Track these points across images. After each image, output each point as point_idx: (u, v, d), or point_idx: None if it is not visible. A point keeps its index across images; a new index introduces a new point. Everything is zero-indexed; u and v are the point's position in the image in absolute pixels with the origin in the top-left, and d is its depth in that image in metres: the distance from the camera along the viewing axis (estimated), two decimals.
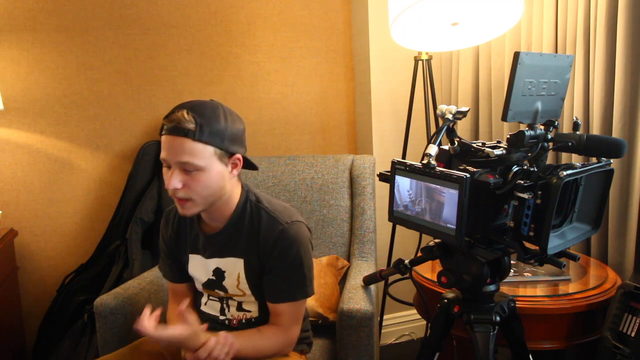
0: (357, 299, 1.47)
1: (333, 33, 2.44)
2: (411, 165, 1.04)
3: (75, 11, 2.10)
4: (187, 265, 1.35)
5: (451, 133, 1.06)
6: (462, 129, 2.28)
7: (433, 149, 0.98)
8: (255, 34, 2.33)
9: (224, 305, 1.34)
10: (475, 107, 2.23)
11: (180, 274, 1.39)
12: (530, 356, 1.19)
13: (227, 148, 1.16)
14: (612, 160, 1.02)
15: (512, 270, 1.49)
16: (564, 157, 1.80)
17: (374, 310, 1.46)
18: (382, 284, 2.24)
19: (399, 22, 1.85)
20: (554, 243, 0.96)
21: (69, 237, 2.19)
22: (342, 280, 1.82)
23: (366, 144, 2.44)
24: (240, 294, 1.30)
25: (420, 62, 2.12)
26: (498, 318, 1.12)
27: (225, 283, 1.30)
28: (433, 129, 2.18)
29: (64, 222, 2.17)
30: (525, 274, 1.54)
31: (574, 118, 1.09)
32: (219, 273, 1.30)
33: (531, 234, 0.95)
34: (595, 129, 1.62)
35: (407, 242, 2.40)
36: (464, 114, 1.02)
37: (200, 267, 1.33)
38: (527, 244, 0.99)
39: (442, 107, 1.04)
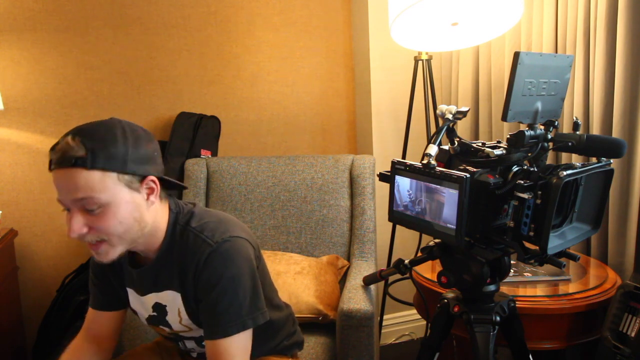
0: (357, 299, 1.47)
1: (333, 33, 2.44)
2: (411, 165, 1.04)
3: (75, 11, 2.10)
4: (128, 299, 1.19)
5: (451, 133, 1.06)
6: (462, 129, 2.28)
7: (433, 149, 0.98)
8: (255, 34, 2.33)
9: (180, 343, 1.22)
10: (475, 107, 2.23)
11: (105, 299, 1.20)
12: (530, 356, 1.19)
13: (135, 170, 0.95)
14: (612, 160, 1.03)
15: (512, 270, 1.49)
16: (564, 157, 1.80)
17: (374, 310, 1.46)
18: (382, 284, 2.24)
19: (399, 22, 1.85)
20: (554, 243, 0.96)
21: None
22: (342, 280, 1.82)
23: (366, 144, 2.44)
24: (186, 330, 1.14)
25: (420, 62, 2.12)
26: (498, 318, 1.12)
27: (169, 319, 1.13)
28: (433, 129, 2.18)
29: (64, 222, 2.17)
30: (525, 274, 1.54)
31: (574, 118, 1.09)
32: (159, 308, 1.13)
33: (531, 234, 0.95)
34: (595, 129, 1.62)
35: (407, 242, 2.40)
36: (464, 114, 1.02)
37: (138, 303, 1.17)
38: (527, 244, 0.99)
39: (442, 107, 1.04)
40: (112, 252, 1.00)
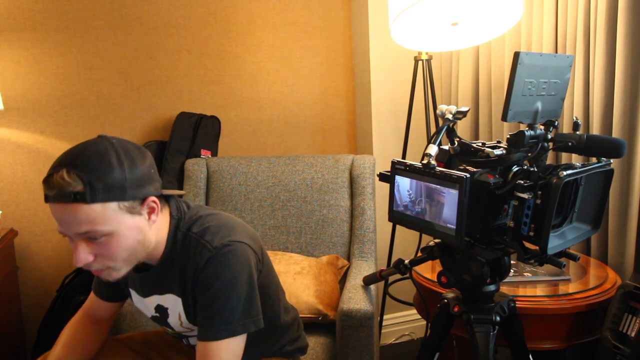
0: (357, 299, 1.47)
1: (333, 33, 2.44)
2: (411, 165, 1.04)
3: (75, 11, 2.10)
4: (132, 299, 1.22)
5: (451, 133, 1.06)
6: (462, 129, 2.28)
7: (433, 149, 0.98)
8: (255, 34, 2.33)
9: (183, 340, 1.24)
10: (475, 107, 2.23)
11: (109, 291, 1.23)
12: (530, 356, 1.19)
13: (135, 196, 0.95)
14: (612, 160, 1.03)
15: (512, 270, 1.49)
16: (564, 157, 1.80)
17: (374, 310, 1.46)
18: (382, 284, 2.24)
19: (399, 22, 1.85)
20: (554, 243, 0.96)
21: None
22: (342, 280, 1.82)
23: (366, 144, 2.44)
24: (188, 331, 1.16)
25: (420, 62, 2.12)
26: (498, 318, 1.12)
27: (170, 321, 1.15)
28: (433, 129, 2.18)
29: None
30: (525, 274, 1.54)
31: (574, 118, 1.09)
32: (161, 310, 1.14)
33: (531, 234, 0.95)
34: (595, 129, 1.62)
35: (407, 242, 2.40)
36: (464, 114, 1.02)
37: (141, 304, 1.19)
38: (527, 244, 0.99)
39: (442, 107, 1.04)
40: (117, 274, 1.01)
